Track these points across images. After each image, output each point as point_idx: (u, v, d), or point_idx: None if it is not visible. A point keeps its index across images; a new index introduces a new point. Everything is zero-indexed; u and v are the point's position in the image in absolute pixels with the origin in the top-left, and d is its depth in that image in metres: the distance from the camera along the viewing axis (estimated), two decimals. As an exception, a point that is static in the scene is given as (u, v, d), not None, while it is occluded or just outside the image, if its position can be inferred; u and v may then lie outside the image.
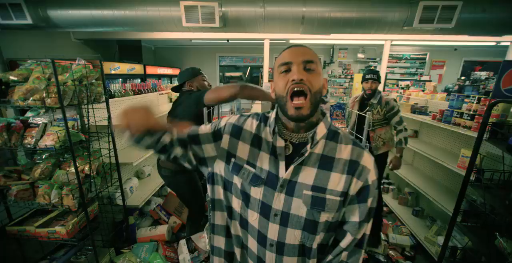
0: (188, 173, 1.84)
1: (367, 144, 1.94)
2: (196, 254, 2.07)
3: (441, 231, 2.44)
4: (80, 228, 1.71)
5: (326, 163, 0.69)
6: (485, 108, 2.14)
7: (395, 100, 2.38)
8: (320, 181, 0.68)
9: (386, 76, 4.64)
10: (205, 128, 0.81)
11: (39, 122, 1.52)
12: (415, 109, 2.99)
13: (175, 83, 6.80)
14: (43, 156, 1.68)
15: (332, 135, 0.72)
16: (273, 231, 0.70)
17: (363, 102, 2.45)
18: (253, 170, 0.72)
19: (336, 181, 0.68)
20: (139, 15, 2.89)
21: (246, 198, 0.73)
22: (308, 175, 0.68)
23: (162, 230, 2.26)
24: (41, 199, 1.52)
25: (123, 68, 4.24)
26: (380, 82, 2.36)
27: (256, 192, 0.71)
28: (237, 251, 0.81)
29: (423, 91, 4.19)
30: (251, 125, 0.78)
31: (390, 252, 2.38)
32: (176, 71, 6.69)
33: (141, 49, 5.31)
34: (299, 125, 0.71)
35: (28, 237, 1.61)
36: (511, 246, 1.61)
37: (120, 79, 4.42)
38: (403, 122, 2.39)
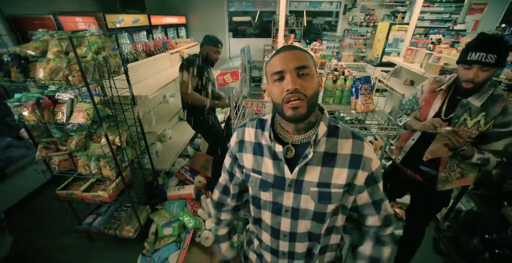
0: (207, 117, 2.33)
1: (429, 170, 1.43)
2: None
3: (448, 193, 2.59)
4: (118, 191, 1.91)
5: (329, 160, 0.72)
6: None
7: None
8: (324, 177, 0.72)
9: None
10: (228, 160, 0.91)
11: (65, 98, 1.53)
12: (444, 72, 2.76)
13: (182, 34, 6.38)
14: (74, 128, 1.74)
15: (333, 131, 0.74)
16: (285, 224, 0.78)
17: (454, 97, 1.35)
18: (259, 176, 0.78)
19: (339, 175, 0.72)
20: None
21: (257, 201, 0.81)
22: (313, 174, 0.73)
23: (189, 189, 2.47)
24: (82, 169, 1.65)
25: (128, 20, 3.92)
26: (500, 67, 1.16)
27: (266, 195, 0.78)
28: (265, 235, 0.91)
29: (453, 45, 3.77)
30: (249, 135, 0.81)
31: (396, 209, 2.60)
32: (182, 20, 6.15)
33: (143, -5, 4.78)
34: (299, 126, 0.73)
35: (76, 199, 1.82)
36: None
37: (126, 33, 4.14)
38: (503, 155, 1.29)
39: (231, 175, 0.91)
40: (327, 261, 0.88)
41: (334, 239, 0.84)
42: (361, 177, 0.73)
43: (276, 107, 0.72)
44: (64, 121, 1.51)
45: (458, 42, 4.51)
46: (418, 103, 1.50)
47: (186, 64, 2.06)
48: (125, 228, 2.03)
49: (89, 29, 1.54)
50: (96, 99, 1.55)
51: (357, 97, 1.69)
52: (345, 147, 0.73)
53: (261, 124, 0.81)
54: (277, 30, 5.87)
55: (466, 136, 1.26)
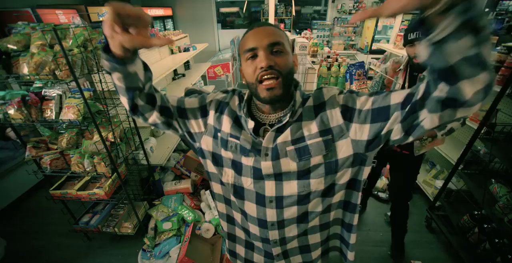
0: None
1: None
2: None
3: (439, 175, 2.67)
4: (115, 188, 1.88)
5: (298, 119, 0.70)
6: (514, 60, 2.01)
7: None
8: (296, 134, 0.69)
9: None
10: (191, 102, 0.78)
11: (53, 94, 1.47)
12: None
13: (169, 26, 6.18)
14: (64, 126, 1.69)
15: (304, 100, 0.73)
16: (269, 189, 0.73)
17: (412, 74, 1.58)
18: (238, 141, 0.73)
19: (309, 127, 0.69)
20: None
21: (238, 167, 0.75)
22: (285, 136, 0.69)
23: (186, 183, 2.46)
24: (75, 167, 1.61)
25: (112, 12, 3.76)
26: None
27: (248, 160, 0.73)
28: (237, 215, 0.86)
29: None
30: (234, 103, 0.77)
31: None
32: (169, 12, 5.96)
33: (125, -15, 4.58)
34: (275, 105, 0.71)
35: (71, 198, 1.78)
36: (504, 190, 1.80)
37: (111, 26, 3.98)
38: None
39: (185, 117, 0.77)
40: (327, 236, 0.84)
41: (333, 199, 0.77)
42: (332, 115, 0.68)
43: (250, 88, 0.69)
44: (53, 118, 1.46)
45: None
46: (384, 83, 1.74)
47: None
48: (124, 225, 2.01)
49: (73, 22, 1.47)
50: (86, 94, 1.50)
51: (351, 83, 1.70)
52: (308, 102, 0.72)
53: (241, 99, 0.78)
54: (266, 20, 5.79)
55: None
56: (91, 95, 1.61)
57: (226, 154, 0.76)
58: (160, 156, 2.39)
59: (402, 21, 5.07)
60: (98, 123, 1.55)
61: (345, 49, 5.99)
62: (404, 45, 1.51)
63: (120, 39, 0.51)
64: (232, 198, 0.82)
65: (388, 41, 4.66)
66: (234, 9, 6.88)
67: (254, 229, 0.82)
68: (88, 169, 1.60)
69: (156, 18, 5.38)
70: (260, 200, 0.75)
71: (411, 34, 1.41)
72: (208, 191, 2.41)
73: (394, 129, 0.59)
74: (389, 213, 2.35)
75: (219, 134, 0.76)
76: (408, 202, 1.88)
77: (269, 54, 0.63)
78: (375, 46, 5.01)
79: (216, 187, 0.84)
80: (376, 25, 5.12)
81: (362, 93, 0.68)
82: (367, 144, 0.66)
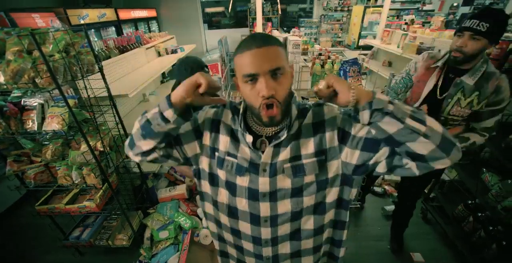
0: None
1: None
2: (216, 207, 2.26)
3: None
4: (106, 199, 1.79)
5: (297, 135, 0.72)
6: (500, 51, 2.06)
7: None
8: (294, 151, 0.71)
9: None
10: (184, 126, 0.78)
11: (34, 104, 1.37)
12: (421, 50, 2.83)
13: (154, 28, 6.04)
14: (48, 137, 1.58)
15: (301, 112, 0.74)
16: (264, 209, 0.74)
17: (447, 75, 1.33)
18: (235, 160, 0.74)
19: (307, 145, 0.71)
20: None
21: (232, 188, 0.76)
22: (285, 152, 0.71)
23: (181, 189, 2.38)
24: (62, 180, 1.52)
25: (93, 15, 3.61)
26: (494, 42, 1.18)
27: (242, 180, 0.74)
28: (227, 236, 0.86)
29: (424, 25, 3.86)
30: (227, 117, 0.78)
31: (385, 186, 2.69)
32: (153, 13, 5.82)
33: (106, -14, 4.40)
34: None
35: (60, 212, 1.68)
36: (495, 179, 1.84)
37: (92, 30, 3.83)
38: (494, 131, 1.33)
39: (180, 143, 0.77)
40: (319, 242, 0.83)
41: (325, 218, 0.78)
42: (330, 138, 0.71)
43: (250, 107, 0.70)
44: (36, 129, 1.36)
45: (429, 22, 4.65)
46: (410, 80, 1.47)
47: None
48: (118, 237, 1.92)
49: (53, 25, 1.37)
50: (71, 102, 1.41)
51: (346, 80, 1.68)
52: (307, 118, 0.73)
53: (236, 112, 0.77)
54: (253, 19, 5.75)
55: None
56: (76, 103, 1.52)
57: (221, 174, 0.77)
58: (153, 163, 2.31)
59: (388, 17, 5.14)
60: (85, 132, 1.46)
61: (332, 46, 6.03)
62: (455, 33, 1.25)
63: (194, 100, 0.65)
64: (223, 220, 0.82)
65: (374, 37, 4.70)
66: (220, 9, 6.80)
67: (248, 246, 0.83)
68: (76, 181, 1.51)
69: (140, 19, 5.23)
70: (255, 220, 0.76)
71: (469, 21, 1.14)
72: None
73: (380, 163, 0.66)
74: (386, 207, 2.37)
75: (216, 153, 0.77)
76: (416, 202, 1.87)
77: (270, 81, 0.62)
78: (362, 42, 5.06)
79: (208, 207, 0.85)
80: (362, 22, 5.17)
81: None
82: (355, 168, 0.70)
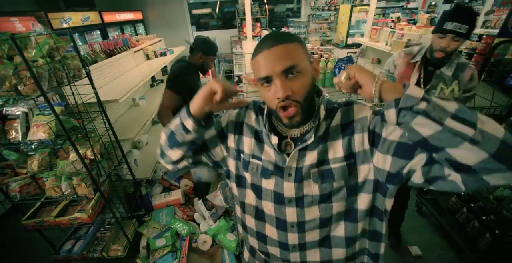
0: None
1: None
2: (214, 210, 2.21)
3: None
4: (99, 209, 1.71)
5: (324, 138, 0.67)
6: (485, 47, 2.11)
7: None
8: (321, 156, 0.67)
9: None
10: (208, 131, 0.77)
11: (17, 112, 1.29)
12: (410, 47, 2.88)
13: (140, 30, 5.92)
14: (33, 146, 1.50)
15: (329, 112, 0.69)
16: (291, 215, 0.71)
17: (426, 68, 1.45)
18: (260, 163, 0.72)
19: (335, 148, 0.66)
20: None
21: (258, 190, 0.74)
22: (311, 156, 0.67)
23: (176, 194, 2.32)
24: (51, 192, 1.44)
25: (76, 19, 3.49)
26: (468, 38, 1.31)
27: (268, 183, 0.72)
28: (253, 241, 0.83)
29: (409, 22, 3.94)
30: (251, 118, 0.76)
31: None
32: (139, 15, 5.70)
33: (89, -11, 4.27)
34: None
35: (49, 226, 1.60)
36: None
37: (76, 34, 3.71)
38: None
39: (207, 149, 0.78)
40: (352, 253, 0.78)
41: (358, 227, 0.72)
42: (360, 141, 0.64)
43: (270, 109, 0.68)
44: (20, 139, 1.28)
45: (413, 19, 4.75)
46: (393, 78, 1.55)
47: (176, 79, 1.80)
48: (113, 247, 1.85)
49: (35, 29, 1.30)
50: (58, 109, 1.34)
51: (341, 78, 1.67)
52: (335, 119, 0.68)
53: (260, 112, 0.75)
54: (242, 19, 5.72)
55: None
56: (63, 110, 1.45)
57: (247, 176, 0.76)
58: (146, 169, 2.24)
59: (374, 15, 5.22)
60: (74, 140, 1.39)
61: (321, 44, 6.08)
62: (434, 32, 1.33)
63: (213, 108, 0.65)
64: (250, 223, 0.80)
65: (362, 35, 4.76)
66: (207, 11, 6.74)
67: (274, 251, 0.79)
68: (66, 192, 1.44)
69: (125, 22, 5.12)
70: (281, 225, 0.73)
71: (450, 23, 1.22)
72: (201, 201, 2.30)
73: (416, 171, 0.57)
74: None
75: (241, 155, 0.76)
76: (408, 193, 1.91)
77: (284, 82, 0.59)
78: (350, 41, 5.11)
79: (238, 210, 0.84)
80: (350, 20, 5.22)
81: None
82: (389, 176, 0.62)
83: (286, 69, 0.58)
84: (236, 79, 3.63)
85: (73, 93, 1.43)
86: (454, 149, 0.46)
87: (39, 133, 1.26)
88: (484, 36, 2.11)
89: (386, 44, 3.40)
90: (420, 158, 0.55)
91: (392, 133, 0.59)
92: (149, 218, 2.15)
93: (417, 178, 0.57)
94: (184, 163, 0.75)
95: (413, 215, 2.33)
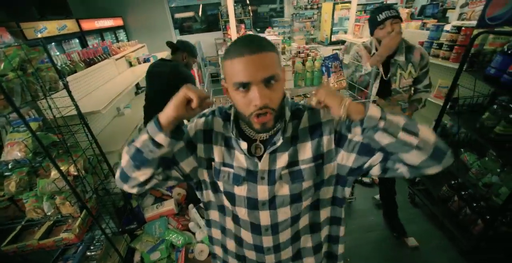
0: None
1: None
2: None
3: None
4: (87, 227, 1.63)
5: (293, 140, 0.71)
6: (465, 38, 2.15)
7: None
8: (292, 157, 0.70)
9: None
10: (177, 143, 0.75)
11: (-12, 131, 1.20)
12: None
13: (121, 37, 5.78)
14: (10, 166, 1.41)
15: (295, 114, 0.73)
16: (265, 218, 0.74)
17: (384, 61, 1.60)
18: (231, 170, 0.73)
19: (304, 149, 0.70)
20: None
21: (231, 197, 0.75)
22: (283, 158, 0.70)
23: (169, 204, 2.24)
24: (32, 214, 1.34)
25: (51, 28, 3.35)
26: (401, 19, 1.46)
27: (241, 190, 0.73)
28: (230, 244, 0.85)
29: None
30: (218, 125, 0.76)
31: (373, 177, 2.71)
32: (119, 22, 5.56)
33: (65, -3, 4.11)
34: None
35: (33, 250, 1.49)
36: (473, 158, 1.91)
37: (53, 43, 3.56)
38: (432, 85, 1.76)
39: (176, 163, 0.75)
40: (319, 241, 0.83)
41: (321, 215, 0.79)
42: (328, 142, 0.70)
43: (240, 115, 0.67)
44: (-6, 159, 1.19)
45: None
46: (360, 65, 1.68)
47: (190, 78, 1.94)
48: (105, 266, 1.76)
49: (4, 41, 1.22)
50: (34, 125, 1.26)
51: (329, 76, 1.67)
52: (303, 121, 0.71)
53: (227, 117, 0.75)
54: (225, 21, 5.67)
55: (399, 99, 1.65)
56: (41, 125, 1.37)
57: (220, 184, 0.76)
58: (135, 180, 2.16)
59: (356, 12, 5.28)
60: (54, 157, 1.31)
61: (306, 43, 6.11)
62: (373, 30, 1.54)
63: (185, 116, 0.63)
64: (229, 225, 0.82)
65: (345, 32, 4.81)
66: (190, 14, 6.66)
67: (250, 254, 0.82)
68: (49, 213, 1.35)
69: (105, 29, 4.98)
70: (256, 229, 0.76)
71: (380, 15, 1.44)
72: (194, 209, 2.23)
73: (375, 166, 0.67)
74: (377, 196, 2.39)
75: (212, 164, 0.75)
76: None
77: (263, 90, 0.60)
78: (334, 38, 5.16)
79: (213, 214, 0.84)
80: (333, 18, 5.27)
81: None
82: (350, 170, 0.71)
83: (267, 78, 0.59)
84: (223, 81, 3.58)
85: (50, 107, 1.35)
86: (404, 154, 0.59)
87: (14, 152, 1.17)
88: (463, 28, 2.15)
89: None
90: (378, 156, 0.66)
91: (356, 135, 0.67)
92: (141, 232, 2.07)
93: (376, 171, 0.67)
94: (153, 182, 0.70)
95: (407, 206, 2.36)
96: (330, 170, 0.72)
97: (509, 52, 1.50)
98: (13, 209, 1.39)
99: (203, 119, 0.77)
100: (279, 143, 0.67)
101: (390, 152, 0.62)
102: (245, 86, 0.60)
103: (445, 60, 2.30)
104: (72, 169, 1.43)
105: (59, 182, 1.34)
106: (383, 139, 0.59)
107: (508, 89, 1.47)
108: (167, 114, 0.61)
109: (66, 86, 1.42)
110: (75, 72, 2.13)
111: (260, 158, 0.70)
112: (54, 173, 1.35)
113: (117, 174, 0.70)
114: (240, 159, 0.71)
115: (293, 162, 0.70)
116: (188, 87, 0.61)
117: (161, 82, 1.90)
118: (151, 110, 1.96)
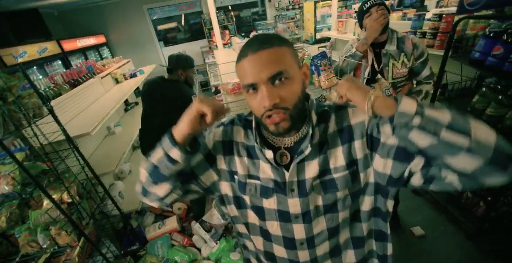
0: None
1: None
2: (213, 231, 2.10)
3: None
4: (87, 255, 1.57)
5: (322, 146, 0.64)
6: (446, 25, 2.17)
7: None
8: (323, 165, 0.64)
9: None
10: (195, 156, 0.71)
11: (-29, 166, 1.14)
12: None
13: (105, 54, 5.73)
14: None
15: (321, 117, 0.66)
16: (299, 232, 0.67)
17: (374, 50, 1.58)
18: (258, 182, 0.67)
19: (335, 156, 0.64)
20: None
21: (260, 211, 0.70)
22: (313, 167, 0.64)
23: (171, 222, 2.18)
24: (27, 248, 1.28)
25: (32, 51, 3.29)
26: (387, 7, 1.44)
27: (270, 203, 0.67)
28: (262, 261, 0.80)
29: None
30: (240, 135, 0.71)
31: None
32: (102, 39, 5.51)
33: (43, 18, 4.05)
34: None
35: (33, 284, 1.43)
36: None
37: (35, 67, 3.50)
38: (434, 76, 1.69)
39: (196, 177, 0.72)
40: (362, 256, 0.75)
41: (363, 228, 0.71)
42: (360, 147, 0.62)
43: (256, 118, 0.64)
44: (-20, 195, 1.14)
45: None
46: (357, 56, 1.64)
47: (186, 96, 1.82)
48: (111, 292, 1.69)
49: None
50: (20, 155, 1.20)
51: (319, 74, 1.64)
52: (331, 125, 0.65)
53: (248, 125, 0.70)
54: (209, 29, 5.66)
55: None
56: (28, 154, 1.32)
57: (246, 198, 0.70)
58: (133, 200, 2.10)
59: (337, 9, 5.33)
60: (45, 186, 1.26)
61: (292, 43, 6.13)
62: (361, 19, 1.52)
63: (200, 130, 0.60)
64: (257, 243, 0.76)
65: (329, 29, 4.84)
66: (173, 25, 6.63)
67: None
68: (45, 246, 1.29)
69: (88, 48, 4.92)
70: (290, 243, 0.69)
71: (366, 4, 1.45)
72: (198, 224, 2.17)
73: (415, 174, 0.56)
74: None
75: (235, 177, 0.70)
76: None
77: (271, 89, 0.55)
78: (319, 36, 5.18)
79: (241, 228, 0.78)
80: (315, 16, 5.30)
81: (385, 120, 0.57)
82: (389, 179, 0.61)
83: (272, 76, 0.54)
84: (213, 89, 3.56)
85: (35, 135, 1.30)
86: (451, 158, 0.48)
87: (1, 186, 1.12)
88: (444, 15, 2.16)
89: (354, 34, 3.48)
90: (419, 160, 0.55)
91: (390, 137, 0.58)
92: (144, 252, 2.00)
93: (417, 180, 0.56)
94: (173, 196, 0.68)
95: (409, 196, 2.35)
96: (367, 177, 0.64)
97: (491, 35, 1.51)
98: (6, 245, 1.32)
99: (221, 128, 0.72)
100: (307, 152, 0.61)
101: (433, 156, 0.51)
102: (254, 87, 0.56)
103: (430, 48, 2.31)
104: (66, 196, 1.38)
105: (53, 211, 1.28)
106: (420, 139, 0.49)
107: (494, 71, 1.48)
108: (181, 129, 0.58)
109: (51, 111, 1.38)
110: (60, 95, 2.07)
111: (286, 167, 0.64)
112: (46, 202, 1.30)
113: (138, 188, 0.69)
114: (266, 170, 0.66)
115: (324, 170, 0.63)
116: (200, 100, 0.57)
117: (164, 105, 1.81)
118: (152, 136, 1.87)
